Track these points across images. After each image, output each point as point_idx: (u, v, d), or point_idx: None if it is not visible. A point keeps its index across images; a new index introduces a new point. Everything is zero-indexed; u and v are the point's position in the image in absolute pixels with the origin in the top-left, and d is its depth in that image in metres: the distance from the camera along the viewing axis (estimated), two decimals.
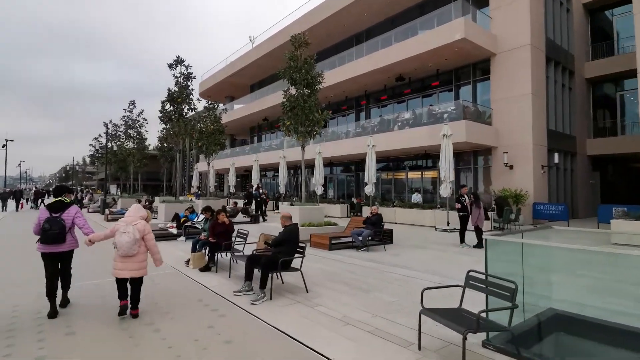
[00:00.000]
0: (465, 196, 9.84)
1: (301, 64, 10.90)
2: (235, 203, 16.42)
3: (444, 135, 13.73)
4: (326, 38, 25.30)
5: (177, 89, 12.28)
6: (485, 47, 16.98)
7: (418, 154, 20.43)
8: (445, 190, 13.69)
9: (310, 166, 28.23)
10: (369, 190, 16.86)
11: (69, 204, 4.65)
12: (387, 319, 4.07)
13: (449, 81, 19.72)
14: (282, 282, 5.59)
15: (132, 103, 20.26)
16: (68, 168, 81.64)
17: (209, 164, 16.98)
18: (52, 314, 4.33)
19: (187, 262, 7.08)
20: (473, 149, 18.11)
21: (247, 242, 6.72)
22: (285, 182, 22.59)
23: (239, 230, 7.10)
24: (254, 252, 5.85)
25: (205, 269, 6.46)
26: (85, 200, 25.29)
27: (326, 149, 20.07)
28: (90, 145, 23.91)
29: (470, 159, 18.57)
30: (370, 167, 16.65)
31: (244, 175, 36.92)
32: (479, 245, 9.38)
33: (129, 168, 25.82)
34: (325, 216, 12.46)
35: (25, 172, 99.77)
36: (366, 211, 18.21)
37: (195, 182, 30.40)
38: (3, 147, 34.95)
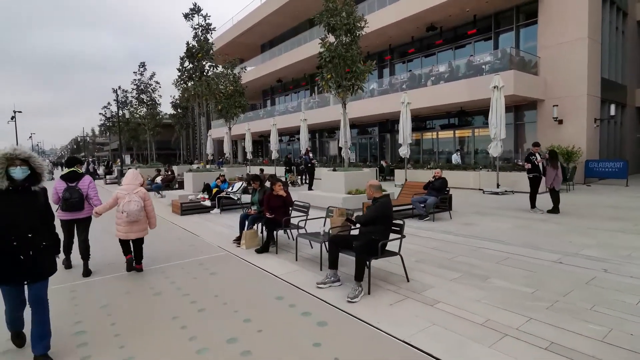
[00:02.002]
0: (537, 155, 8.54)
1: (341, 6, 9.29)
2: (262, 170, 15.29)
3: (494, 87, 12.19)
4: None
5: (195, 44, 10.79)
6: None
7: (451, 112, 18.86)
8: (495, 149, 12.38)
9: (326, 129, 27.06)
10: (404, 151, 15.60)
11: (82, 174, 4.98)
12: (552, 325, 2.99)
13: (488, 28, 17.70)
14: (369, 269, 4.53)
15: (143, 65, 18.75)
16: (79, 139, 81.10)
17: (230, 128, 15.70)
18: (68, 265, 5.06)
19: (237, 240, 6.07)
20: (515, 103, 16.48)
21: (308, 217, 5.62)
22: (307, 146, 21.39)
23: (296, 203, 5.99)
24: (327, 231, 4.76)
25: (263, 249, 5.44)
26: (100, 172, 24.47)
27: (350, 110, 18.53)
28: (100, 114, 22.76)
29: (512, 114, 16.96)
30: (405, 126, 15.27)
31: (257, 141, 35.63)
32: (554, 210, 8.22)
33: (141, 137, 24.70)
34: None
35: (37, 144, 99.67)
36: (398, 174, 17.02)
37: (209, 149, 29.28)
38: (12, 119, 33.98)
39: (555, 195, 8.25)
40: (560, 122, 15.07)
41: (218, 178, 10.08)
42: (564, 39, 14.84)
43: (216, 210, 9.39)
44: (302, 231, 5.34)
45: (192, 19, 10.82)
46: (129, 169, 20.40)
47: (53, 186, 4.67)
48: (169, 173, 15.48)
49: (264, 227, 5.83)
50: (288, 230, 5.96)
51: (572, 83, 14.76)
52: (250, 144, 25.99)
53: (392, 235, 4.09)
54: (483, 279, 4.10)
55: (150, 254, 5.64)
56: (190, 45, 10.69)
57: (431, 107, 17.47)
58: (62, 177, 4.85)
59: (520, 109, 16.78)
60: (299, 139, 30.76)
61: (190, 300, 3.74)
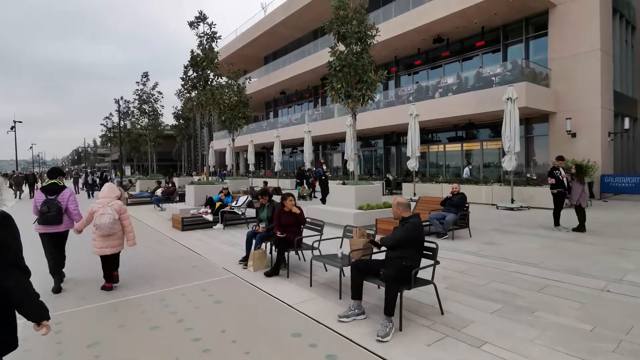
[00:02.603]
0: (561, 169, 8.07)
1: (352, 14, 8.96)
2: (265, 182, 14.82)
3: (508, 99, 11.82)
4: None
5: (200, 52, 10.45)
6: None
7: (459, 124, 18.50)
8: (509, 163, 11.92)
9: (329, 141, 26.70)
10: (412, 164, 15.17)
11: (63, 187, 4.83)
12: None
13: (496, 40, 17.47)
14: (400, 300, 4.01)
15: (145, 75, 18.48)
16: (80, 150, 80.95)
17: (233, 140, 15.29)
18: (57, 290, 4.60)
19: (243, 261, 5.55)
20: (525, 116, 16.10)
21: (322, 236, 5.11)
22: (311, 158, 20.99)
23: (308, 220, 5.49)
24: (345, 254, 4.26)
25: (273, 272, 4.92)
26: (98, 182, 24.08)
27: (343, 123, 18.18)
28: (101, 124, 22.45)
29: (522, 126, 16.55)
30: (414, 139, 14.87)
31: (258, 153, 35.27)
32: (580, 228, 7.71)
33: (142, 148, 24.30)
34: None
35: (38, 155, 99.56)
36: (406, 188, 16.53)
37: (211, 161, 28.89)
38: (12, 129, 33.74)
39: (581, 213, 7.75)
40: (574, 135, 14.66)
41: (221, 191, 9.60)
42: (576, 51, 14.55)
43: (219, 226, 8.88)
44: (316, 252, 4.82)
45: (197, 27, 10.51)
46: (129, 180, 19.90)
47: (34, 198, 4.74)
48: (170, 185, 15.05)
49: (273, 247, 5.33)
50: (300, 251, 5.44)
51: (585, 95, 14.41)
52: (252, 156, 25.63)
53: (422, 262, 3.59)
54: (529, 312, 3.58)
55: (149, 276, 5.14)
56: (195, 53, 10.35)
57: (438, 119, 17.13)
58: (42, 189, 4.76)
59: (530, 121, 16.41)
60: (302, 150, 30.46)
61: (193, 337, 3.22)
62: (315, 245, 4.91)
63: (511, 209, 11.70)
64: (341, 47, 9.35)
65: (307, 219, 5.45)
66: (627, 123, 15.29)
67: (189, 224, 8.80)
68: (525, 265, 5.24)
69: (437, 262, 3.54)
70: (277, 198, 6.17)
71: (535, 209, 11.73)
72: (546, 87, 15.17)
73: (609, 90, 14.94)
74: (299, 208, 5.21)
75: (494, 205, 12.72)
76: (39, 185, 26.12)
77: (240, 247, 6.74)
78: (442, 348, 2.92)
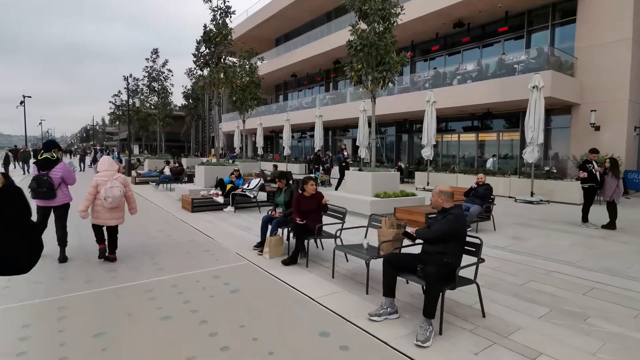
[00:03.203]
0: (594, 162, 7.60)
1: None
2: (275, 166, 14.46)
3: (534, 87, 11.24)
4: None
5: (213, 27, 9.96)
6: None
7: (475, 113, 17.87)
8: (531, 155, 11.41)
9: (339, 126, 26.15)
10: (427, 153, 14.70)
11: (56, 161, 4.76)
12: None
13: (520, 26, 16.67)
14: (424, 292, 3.67)
15: (156, 52, 17.98)
16: (88, 127, 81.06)
17: (244, 121, 14.89)
18: (62, 259, 4.70)
19: (258, 247, 5.24)
20: (547, 107, 15.44)
21: (344, 225, 4.75)
22: (321, 144, 20.55)
23: (328, 206, 5.12)
24: (371, 245, 3.91)
25: (291, 261, 4.59)
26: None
27: (366, 107, 17.59)
28: (110, 102, 22.09)
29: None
30: (430, 126, 14.37)
31: (266, 136, 34.82)
32: (610, 225, 7.29)
33: (150, 127, 23.97)
34: None
35: (47, 131, 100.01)
36: (419, 177, 16.07)
37: (220, 142, 28.52)
38: (21, 103, 33.59)
39: (612, 209, 7.31)
40: (597, 128, 14.05)
41: (232, 173, 9.27)
42: (606, 40, 13.80)
43: (230, 208, 8.58)
44: (338, 241, 4.47)
45: (210, 1, 9.99)
46: (137, 159, 19.66)
47: (31, 172, 4.81)
48: (178, 165, 14.71)
49: (291, 234, 4.99)
50: (319, 239, 5.10)
51: (612, 87, 13.73)
52: (261, 139, 25.23)
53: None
54: (580, 318, 3.22)
55: (159, 259, 4.85)
56: (208, 28, 9.86)
57: (456, 107, 16.52)
58: (35, 163, 4.75)
59: (550, 112, 15.75)
60: (311, 135, 29.99)
61: (209, 332, 2.91)
62: (337, 234, 4.56)
63: (531, 202, 11.25)
64: (362, 25, 8.82)
65: (334, 208, 5.09)
66: None
67: (199, 205, 8.51)
68: (561, 264, 4.86)
69: (481, 260, 3.17)
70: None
71: (555, 204, 11.28)
72: (571, 77, 14.49)
73: (638, 82, 14.23)
74: (321, 194, 4.85)
75: (512, 197, 12.27)
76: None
77: (252, 232, 6.45)
78: (492, 357, 2.57)
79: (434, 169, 15.98)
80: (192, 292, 3.71)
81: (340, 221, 4.77)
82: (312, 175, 6.32)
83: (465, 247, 3.26)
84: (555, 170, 13.64)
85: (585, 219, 7.63)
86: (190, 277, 4.19)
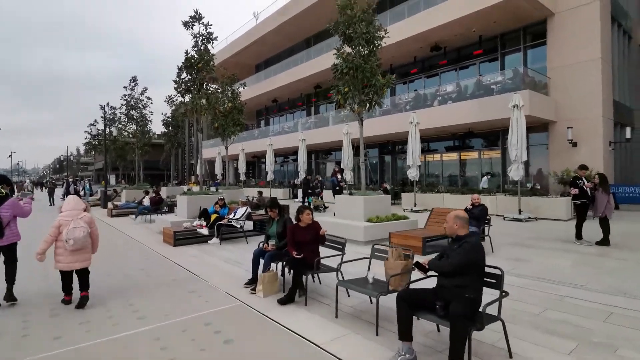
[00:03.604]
0: (584, 179, 7.61)
1: (360, 14, 8.44)
2: (260, 192, 14.06)
3: (514, 106, 11.45)
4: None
5: (195, 54, 9.74)
6: (544, 4, 14.51)
7: (456, 133, 18.16)
8: (516, 172, 11.48)
9: (322, 150, 26.11)
10: (413, 174, 14.65)
11: (5, 197, 4.56)
12: None
13: (494, 49, 17.31)
14: (439, 330, 3.35)
15: (134, 80, 17.58)
16: (62, 159, 78.41)
17: (226, 148, 14.53)
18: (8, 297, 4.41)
19: (250, 285, 4.81)
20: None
21: (344, 257, 4.41)
22: (305, 167, 20.35)
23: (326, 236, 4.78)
24: (378, 279, 3.59)
25: (288, 299, 4.19)
26: (81, 192, 22.80)
27: (350, 130, 17.59)
28: (85, 132, 21.37)
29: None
30: (415, 147, 14.41)
31: (248, 162, 34.42)
32: (604, 242, 7.24)
33: (128, 156, 23.22)
34: None
35: (18, 163, 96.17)
36: (406, 199, 15.94)
37: (199, 170, 27.86)
38: None
39: (605, 225, 7.28)
40: (575, 144, 14.42)
41: (217, 202, 8.82)
42: (576, 60, 14.41)
43: (215, 240, 8.08)
44: (340, 275, 4.12)
45: (192, 27, 9.82)
46: (114, 189, 18.79)
47: None
48: (156, 195, 13.98)
49: (286, 269, 4.61)
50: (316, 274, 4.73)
51: (585, 104, 14.22)
52: (244, 165, 24.82)
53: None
54: (610, 350, 2.97)
55: (139, 304, 4.34)
56: (190, 54, 9.64)
57: (437, 127, 16.73)
58: None
59: (528, 130, 16.13)
60: (294, 160, 29.83)
61: None
62: (338, 267, 4.21)
63: (519, 220, 11.23)
64: (347, 49, 8.81)
65: (332, 239, 4.75)
66: (628, 132, 15.17)
67: (182, 237, 7.99)
68: (570, 287, 4.65)
69: (504, 294, 2.89)
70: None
71: (543, 220, 11.30)
72: (546, 96, 14.96)
73: (609, 99, 14.83)
74: (318, 224, 4.52)
75: (500, 216, 12.24)
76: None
77: (242, 266, 6.01)
78: None
79: (419, 190, 15.93)
80: (179, 346, 3.24)
81: (340, 252, 4.44)
82: (307, 204, 5.93)
83: (486, 279, 2.99)
84: (539, 187, 13.80)
85: (579, 235, 7.56)
86: (175, 325, 3.71)
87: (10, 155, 63.74)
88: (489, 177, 16.06)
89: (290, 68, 26.06)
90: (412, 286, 3.29)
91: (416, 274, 3.23)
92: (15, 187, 5.23)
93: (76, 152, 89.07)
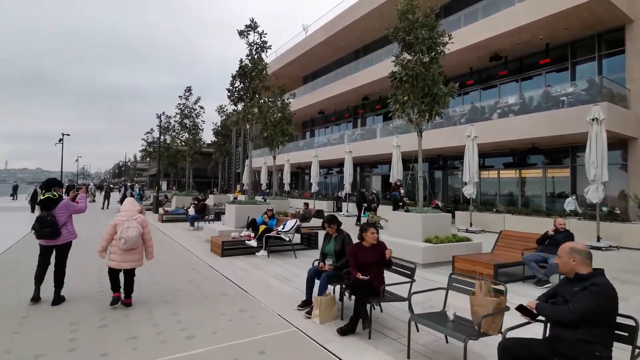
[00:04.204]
0: None
1: (422, 19, 7.92)
2: (306, 204, 13.74)
3: (593, 119, 10.23)
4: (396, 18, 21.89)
5: (249, 62, 9.72)
6: (624, 10, 13.10)
7: (517, 149, 16.79)
8: (595, 194, 10.20)
9: (368, 163, 25.44)
10: (470, 191, 13.63)
11: (59, 199, 4.76)
12: None
13: (562, 58, 15.90)
14: None
15: (189, 90, 18.27)
16: (121, 164, 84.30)
17: (274, 158, 14.45)
18: (35, 298, 4.55)
19: (304, 307, 4.37)
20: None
21: (413, 284, 3.83)
22: (350, 180, 19.89)
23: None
24: (460, 317, 2.97)
25: (349, 329, 3.67)
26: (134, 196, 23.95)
27: (399, 143, 16.87)
28: (142, 139, 22.62)
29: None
30: (472, 163, 13.43)
31: (293, 172, 34.53)
32: None
33: (179, 163, 24.11)
34: None
35: (83, 167, 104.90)
36: (460, 218, 14.82)
37: (245, 179, 28.30)
38: (60, 141, 35.04)
39: None
40: None
41: (265, 213, 8.56)
42: None
43: (263, 253, 7.78)
44: (399, 304, 3.54)
45: (247, 36, 9.84)
46: (165, 195, 19.42)
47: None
48: (198, 202, 13.89)
49: (345, 293, 4.12)
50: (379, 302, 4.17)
51: None
52: (289, 175, 24.81)
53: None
54: None
55: (187, 320, 4.03)
56: (244, 63, 9.63)
57: (495, 142, 15.56)
58: (39, 203, 4.81)
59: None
60: (337, 172, 29.47)
61: None
62: (404, 294, 3.64)
63: (599, 248, 9.88)
64: (406, 56, 8.30)
65: (399, 262, 4.20)
66: None
67: (230, 248, 7.77)
68: None
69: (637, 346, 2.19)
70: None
71: (626, 250, 9.87)
72: (627, 109, 13.38)
73: None
74: (384, 244, 4.00)
75: None
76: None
77: (292, 284, 5.60)
78: None
79: (475, 208, 14.79)
80: None
81: (409, 279, 3.86)
82: (372, 223, 5.29)
83: (617, 332, 2.30)
84: (619, 211, 12.21)
85: None
86: (227, 351, 3.33)
87: (77, 160, 69.47)
88: (574, 198, 13.60)
89: (339, 79, 25.93)
90: (512, 332, 2.64)
91: (509, 316, 2.60)
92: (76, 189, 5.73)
93: (133, 159, 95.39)
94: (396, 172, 16.45)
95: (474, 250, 7.48)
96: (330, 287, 4.38)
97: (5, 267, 6.54)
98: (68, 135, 34.44)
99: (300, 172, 34.35)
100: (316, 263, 4.72)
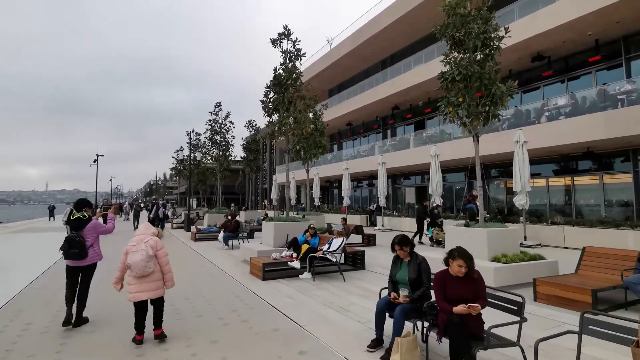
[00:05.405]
0: None
1: (475, 13, 7.19)
2: (344, 219, 12.97)
3: None
4: (425, 23, 21.15)
5: (282, 71, 9.27)
6: None
7: (569, 154, 15.47)
8: None
9: (401, 174, 24.47)
10: (522, 201, 12.47)
11: (88, 220, 4.72)
12: None
13: (615, 54, 14.63)
14: None
15: (218, 105, 18.17)
16: (152, 183, 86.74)
17: (307, 171, 13.86)
18: (67, 321, 4.48)
19: (374, 348, 3.62)
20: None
21: (522, 324, 3.00)
22: (385, 193, 19.03)
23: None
24: None
25: None
26: (169, 214, 23.83)
27: (439, 152, 15.84)
28: (172, 157, 22.75)
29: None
30: (523, 171, 12.30)
31: (322, 187, 33.90)
32: None
33: (208, 180, 24.04)
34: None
35: (117, 187, 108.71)
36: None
37: (274, 194, 27.89)
38: (95, 162, 36.11)
39: None
40: None
41: (307, 231, 7.88)
42: None
43: (307, 275, 7.07)
44: (507, 350, 2.71)
45: (280, 45, 9.41)
46: (196, 213, 19.18)
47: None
48: (229, 219, 13.25)
49: (430, 332, 3.33)
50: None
51: None
52: (318, 189, 24.20)
53: None
54: None
55: None
56: (278, 72, 9.17)
57: (543, 148, 14.36)
58: (67, 223, 4.74)
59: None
60: (368, 184, 28.62)
61: None
62: (508, 335, 2.81)
63: None
64: (455, 54, 7.55)
65: (496, 295, 3.38)
66: None
67: (271, 270, 7.12)
68: None
69: None
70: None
71: None
72: None
73: None
74: (478, 273, 3.20)
75: None
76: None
77: (351, 314, 4.85)
78: None
79: (527, 220, 13.55)
80: None
81: (518, 318, 3.02)
82: (460, 248, 4.06)
83: None
84: None
85: None
86: None
87: (110, 180, 71.87)
88: None
89: (366, 90, 25.39)
90: None
91: None
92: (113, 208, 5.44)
93: (163, 177, 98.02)
94: (435, 184, 15.48)
95: (551, 271, 6.47)
96: (407, 324, 3.60)
97: (42, 291, 6.15)
98: (102, 156, 35.44)
99: (328, 185, 33.71)
100: (384, 292, 3.96)
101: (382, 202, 19.05)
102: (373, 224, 21.81)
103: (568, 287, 5.08)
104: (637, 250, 5.77)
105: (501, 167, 18.10)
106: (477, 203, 12.00)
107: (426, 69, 19.52)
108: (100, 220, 5.17)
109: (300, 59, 9.52)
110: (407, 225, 18.88)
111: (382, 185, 18.84)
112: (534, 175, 17.08)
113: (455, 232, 7.34)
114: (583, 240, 11.80)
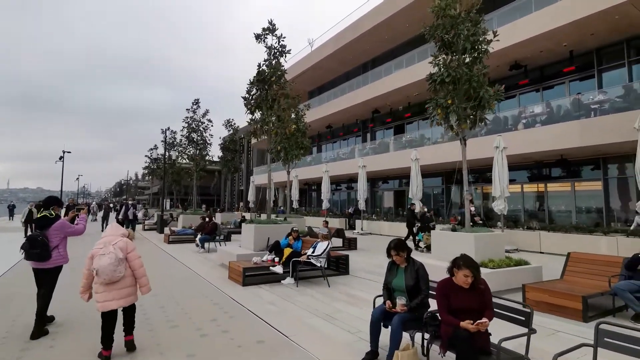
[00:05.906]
0: None
1: (465, 15, 7.14)
2: (326, 222, 12.69)
3: None
4: (407, 28, 21.38)
5: (266, 67, 8.92)
6: None
7: (542, 161, 15.90)
8: None
9: (380, 177, 24.52)
10: (501, 206, 12.62)
11: (55, 219, 4.40)
12: None
13: (587, 65, 15.17)
14: None
15: (196, 102, 17.50)
16: (122, 182, 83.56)
17: (288, 172, 13.52)
18: (36, 334, 4.07)
19: None
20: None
21: (531, 335, 2.81)
22: (365, 196, 18.97)
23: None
24: None
25: None
26: (140, 215, 22.74)
27: (420, 156, 15.94)
28: (145, 156, 21.74)
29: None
30: (502, 176, 12.46)
31: (300, 189, 33.52)
32: None
33: (183, 180, 23.19)
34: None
35: (84, 186, 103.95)
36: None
37: (251, 196, 27.26)
38: (60, 159, 34.32)
39: None
40: None
41: (290, 234, 7.55)
42: None
43: (290, 280, 6.74)
44: None
45: (264, 40, 9.07)
46: (170, 214, 18.39)
47: None
48: (207, 220, 12.79)
49: (430, 345, 3.10)
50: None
51: None
52: (297, 192, 23.85)
53: None
54: None
55: None
56: (262, 68, 8.82)
57: (519, 154, 14.68)
58: (34, 221, 4.63)
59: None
60: (347, 187, 28.54)
61: None
62: (515, 349, 2.62)
63: None
64: (444, 57, 7.48)
65: (501, 303, 3.19)
66: None
67: (252, 275, 6.74)
68: None
69: None
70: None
71: None
72: None
73: None
74: (484, 282, 3.00)
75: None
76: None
77: (339, 323, 4.57)
78: None
79: (505, 225, 13.75)
80: None
81: (526, 329, 2.84)
82: (465, 256, 3.78)
83: None
84: None
85: None
86: None
87: (77, 179, 68.65)
88: None
89: (346, 93, 25.35)
90: None
91: None
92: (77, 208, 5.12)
93: (134, 177, 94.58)
94: (415, 187, 15.55)
95: (536, 276, 6.45)
96: (405, 335, 3.35)
97: None
98: (69, 152, 33.68)
99: (307, 188, 33.38)
100: (378, 300, 3.71)
101: (362, 205, 18.94)
102: (352, 227, 21.68)
103: (558, 293, 5.01)
104: (620, 257, 5.83)
105: (478, 172, 18.37)
106: (472, 209, 11.89)
107: (407, 74, 19.67)
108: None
109: (285, 56, 9.22)
110: (387, 229, 18.86)
111: (362, 189, 18.76)
112: (509, 181, 17.51)
113: (441, 237, 7.21)
114: (558, 245, 12.08)
